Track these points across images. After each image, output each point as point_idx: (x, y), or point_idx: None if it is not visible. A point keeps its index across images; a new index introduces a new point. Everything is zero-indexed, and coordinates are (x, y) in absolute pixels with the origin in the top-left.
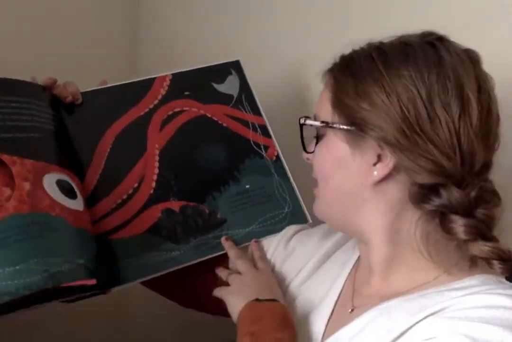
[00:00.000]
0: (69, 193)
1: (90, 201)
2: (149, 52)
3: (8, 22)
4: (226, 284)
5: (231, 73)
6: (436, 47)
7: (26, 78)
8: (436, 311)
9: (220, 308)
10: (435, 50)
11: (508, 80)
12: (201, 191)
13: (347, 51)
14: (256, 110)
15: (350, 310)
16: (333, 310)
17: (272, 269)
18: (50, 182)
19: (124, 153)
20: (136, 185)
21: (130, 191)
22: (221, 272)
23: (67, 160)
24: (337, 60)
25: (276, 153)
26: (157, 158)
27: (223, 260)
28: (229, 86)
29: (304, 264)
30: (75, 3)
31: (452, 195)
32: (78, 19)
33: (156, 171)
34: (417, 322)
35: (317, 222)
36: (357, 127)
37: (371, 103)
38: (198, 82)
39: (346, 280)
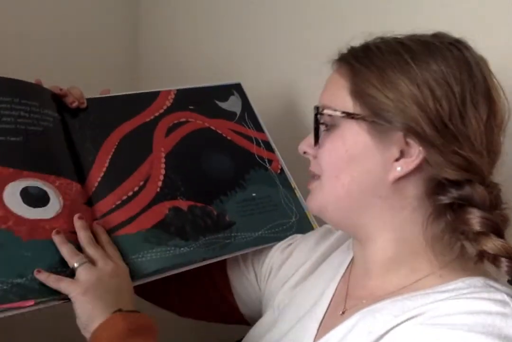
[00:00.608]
0: (36, 200)
1: (94, 198)
2: (149, 52)
3: (8, 22)
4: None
5: (233, 94)
6: (459, 48)
7: (26, 78)
8: (416, 314)
9: (222, 315)
10: (460, 51)
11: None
12: (208, 193)
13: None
14: (258, 128)
15: (341, 312)
16: (325, 313)
17: (270, 274)
18: (13, 190)
19: (129, 154)
20: (142, 183)
21: (136, 188)
22: (71, 258)
23: (53, 163)
24: (346, 50)
25: (280, 167)
26: (163, 160)
27: (221, 264)
28: (232, 104)
29: (299, 267)
30: (75, 4)
31: (475, 190)
32: (78, 19)
33: (163, 171)
34: (398, 324)
35: None
36: (383, 119)
37: (401, 94)
38: (202, 99)
39: (339, 282)
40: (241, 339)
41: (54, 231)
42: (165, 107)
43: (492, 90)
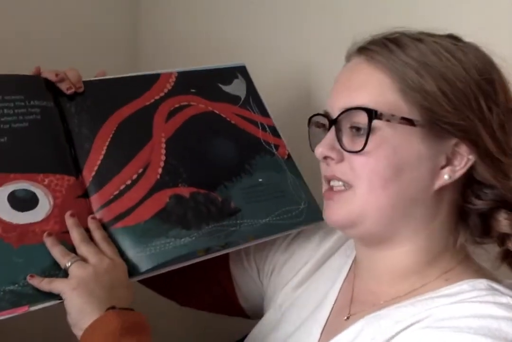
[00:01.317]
0: (24, 204)
1: (91, 188)
2: (149, 52)
3: (8, 20)
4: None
5: (237, 77)
6: (479, 50)
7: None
8: (421, 318)
9: (223, 308)
10: (480, 52)
11: None
12: (212, 179)
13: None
14: (264, 112)
15: (345, 318)
16: (329, 316)
17: (273, 271)
18: (0, 197)
19: (128, 139)
20: (141, 170)
21: (134, 176)
22: (63, 258)
23: (41, 160)
24: (370, 42)
25: (287, 153)
26: (163, 146)
27: (224, 259)
28: (236, 88)
29: (300, 268)
30: (75, 2)
31: (509, 192)
32: (78, 18)
33: (163, 158)
34: (402, 330)
35: None
36: (440, 126)
37: (458, 99)
38: (204, 82)
39: (342, 285)
40: (243, 338)
41: (45, 234)
42: (165, 90)
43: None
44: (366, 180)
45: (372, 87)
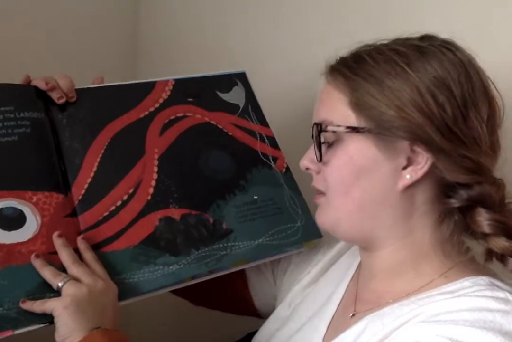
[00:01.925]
0: (11, 223)
1: (80, 207)
2: (149, 55)
3: (7, 20)
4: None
5: (236, 84)
6: (450, 49)
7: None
8: (418, 313)
9: (236, 308)
10: (452, 52)
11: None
12: (205, 198)
13: (341, 53)
14: (263, 122)
15: (351, 315)
16: (335, 314)
17: (286, 272)
18: None
19: (120, 155)
20: (132, 190)
21: (125, 197)
22: (54, 278)
23: (29, 176)
24: (336, 61)
25: (285, 165)
26: (156, 163)
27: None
28: (235, 96)
29: (312, 267)
30: (75, 3)
31: (485, 189)
32: (77, 20)
33: (155, 176)
34: (400, 326)
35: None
36: (388, 130)
37: (403, 104)
38: (202, 90)
39: (349, 284)
40: (243, 338)
41: (32, 255)
42: (161, 100)
43: (488, 88)
44: (332, 187)
45: (329, 104)
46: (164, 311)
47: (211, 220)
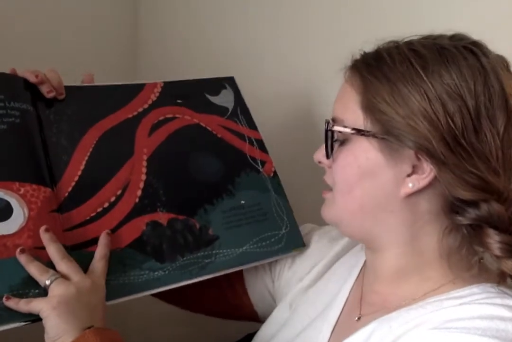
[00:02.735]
0: None
1: (66, 205)
2: (149, 56)
3: (7, 20)
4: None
5: (225, 88)
6: (475, 53)
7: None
8: (428, 319)
9: (236, 315)
10: (476, 56)
11: None
12: (192, 202)
13: (366, 48)
14: (252, 125)
15: (356, 318)
16: (339, 316)
17: (284, 270)
18: None
19: (109, 155)
20: (119, 192)
21: (113, 199)
22: (41, 275)
23: (18, 167)
24: (359, 57)
25: (273, 169)
26: (144, 164)
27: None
28: (224, 99)
29: (312, 266)
30: (74, 4)
31: (493, 209)
32: (77, 20)
33: (143, 177)
34: (409, 330)
35: None
36: (394, 137)
37: (412, 111)
38: (192, 92)
39: (353, 285)
40: (243, 338)
41: (18, 250)
42: (150, 101)
43: (509, 96)
44: (337, 185)
45: (343, 101)
46: (163, 311)
47: (198, 226)
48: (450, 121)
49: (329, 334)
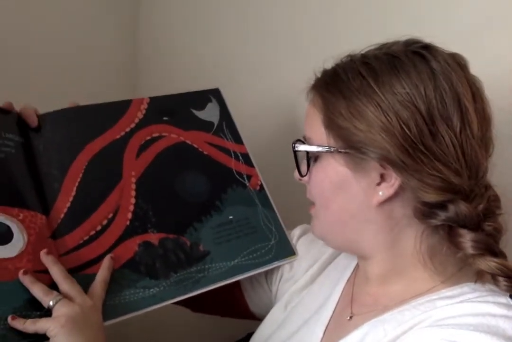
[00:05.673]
0: None
1: (60, 231)
2: (148, 69)
3: (6, 21)
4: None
5: (210, 101)
6: (425, 57)
7: (19, 89)
8: (422, 320)
9: (234, 313)
10: (425, 61)
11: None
12: (182, 221)
13: (328, 65)
14: (237, 139)
15: (348, 317)
16: (331, 317)
17: (281, 278)
18: None
19: (98, 180)
20: (111, 215)
21: (105, 222)
22: (46, 296)
23: (17, 193)
24: (319, 75)
25: (259, 183)
26: (133, 187)
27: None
28: (209, 113)
29: (307, 269)
30: (73, 11)
31: (460, 209)
32: (75, 28)
33: (133, 201)
34: (404, 332)
35: None
36: (356, 150)
37: (368, 123)
38: (178, 108)
39: (345, 286)
40: (243, 338)
41: (21, 272)
42: (136, 120)
43: (462, 96)
44: (316, 200)
45: (309, 120)
46: (163, 311)
47: (188, 243)
48: (405, 128)
49: (322, 334)
